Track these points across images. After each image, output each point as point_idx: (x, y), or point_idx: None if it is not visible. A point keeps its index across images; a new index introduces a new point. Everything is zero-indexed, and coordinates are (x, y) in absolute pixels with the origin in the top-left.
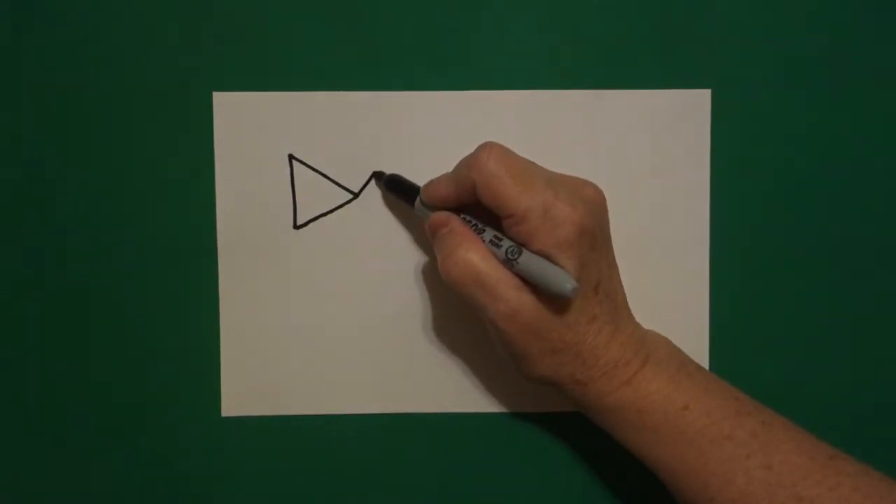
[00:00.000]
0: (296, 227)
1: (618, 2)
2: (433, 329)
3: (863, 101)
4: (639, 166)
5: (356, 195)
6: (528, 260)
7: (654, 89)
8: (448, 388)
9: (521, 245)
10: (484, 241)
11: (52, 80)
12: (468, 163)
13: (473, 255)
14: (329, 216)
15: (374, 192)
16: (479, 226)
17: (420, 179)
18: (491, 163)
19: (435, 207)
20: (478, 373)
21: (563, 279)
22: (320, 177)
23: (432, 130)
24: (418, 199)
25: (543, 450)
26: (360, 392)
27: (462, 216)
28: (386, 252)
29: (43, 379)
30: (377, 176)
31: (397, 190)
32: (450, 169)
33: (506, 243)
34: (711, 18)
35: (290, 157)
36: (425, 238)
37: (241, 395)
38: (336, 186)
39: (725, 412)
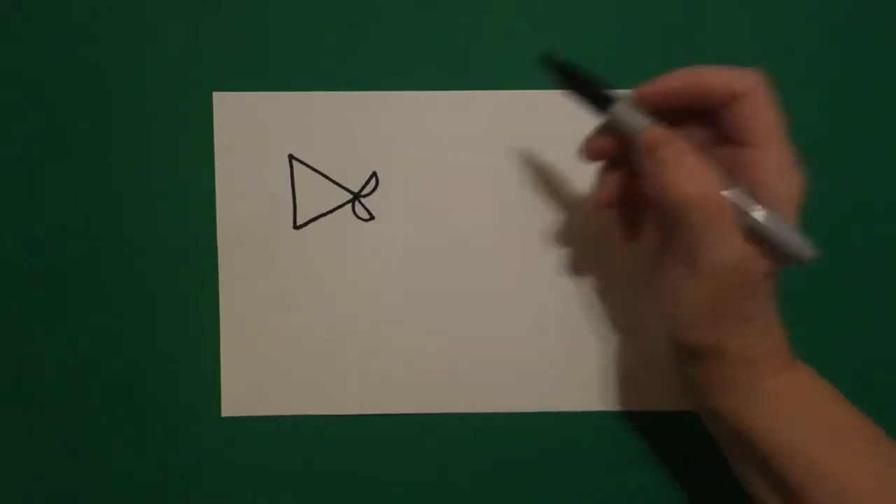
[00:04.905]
0: (296, 227)
1: (617, 2)
2: (433, 329)
3: (863, 101)
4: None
5: (356, 195)
6: (769, 214)
7: None
8: (448, 388)
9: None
10: None
11: (53, 80)
12: (732, 72)
13: (715, 186)
14: (329, 216)
15: (374, 193)
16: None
17: (420, 180)
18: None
19: (651, 110)
20: (478, 372)
21: (803, 243)
22: (320, 177)
23: (432, 130)
24: (627, 100)
25: (544, 449)
26: (360, 392)
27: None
28: (386, 252)
29: (42, 379)
30: (546, 61)
31: (578, 86)
32: (449, 171)
33: (738, 186)
34: (711, 19)
35: (290, 157)
36: (425, 238)
37: (241, 395)
38: (336, 186)
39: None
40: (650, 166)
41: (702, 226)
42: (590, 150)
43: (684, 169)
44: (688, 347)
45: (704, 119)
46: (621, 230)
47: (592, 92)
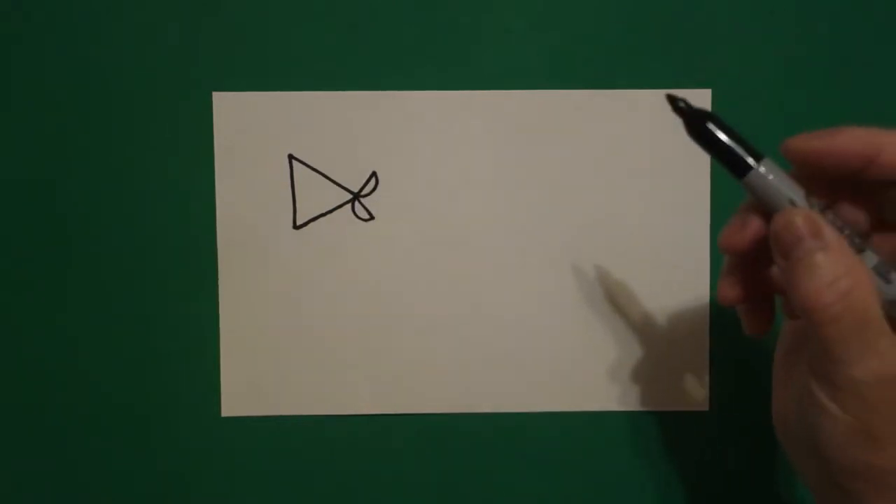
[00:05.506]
0: (296, 227)
1: (617, 2)
2: (433, 329)
3: (863, 102)
4: (639, 166)
5: (356, 195)
6: None
7: (654, 89)
8: (448, 388)
9: None
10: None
11: (52, 80)
12: None
13: (866, 294)
14: (329, 216)
15: (374, 192)
16: (853, 238)
17: (420, 180)
18: None
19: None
20: (478, 372)
21: None
22: (320, 177)
23: (432, 130)
24: (759, 168)
25: (544, 450)
26: (360, 392)
27: (825, 211)
28: (386, 252)
29: (42, 379)
30: (673, 101)
31: (713, 145)
32: (449, 171)
33: None
34: (711, 18)
35: (290, 157)
36: (425, 238)
37: (241, 395)
38: (336, 186)
39: None
40: (779, 260)
41: (842, 340)
42: (728, 244)
43: (823, 269)
44: (835, 465)
45: (862, 195)
46: (747, 322)
47: (727, 152)
